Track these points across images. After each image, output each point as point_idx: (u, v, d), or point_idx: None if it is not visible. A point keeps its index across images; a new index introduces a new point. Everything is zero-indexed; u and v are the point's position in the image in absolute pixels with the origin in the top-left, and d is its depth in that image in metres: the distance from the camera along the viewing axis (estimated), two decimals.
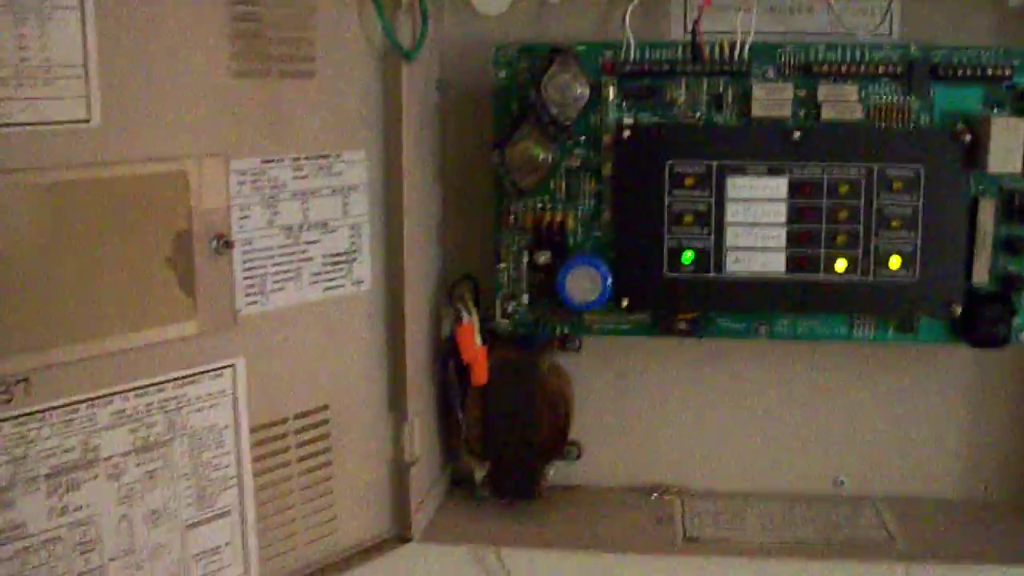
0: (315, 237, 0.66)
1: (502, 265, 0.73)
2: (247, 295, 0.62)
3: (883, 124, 0.70)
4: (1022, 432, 0.79)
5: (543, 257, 0.72)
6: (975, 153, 0.69)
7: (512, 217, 0.73)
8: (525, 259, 0.73)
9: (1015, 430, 0.79)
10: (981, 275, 0.71)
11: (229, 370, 0.61)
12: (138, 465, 0.57)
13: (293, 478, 0.66)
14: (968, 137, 0.69)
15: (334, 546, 0.69)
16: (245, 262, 0.62)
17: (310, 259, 0.66)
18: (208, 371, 0.60)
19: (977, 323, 0.71)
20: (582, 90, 0.70)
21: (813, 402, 0.80)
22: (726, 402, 0.81)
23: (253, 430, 0.63)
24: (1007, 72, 0.69)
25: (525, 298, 0.73)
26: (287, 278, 0.64)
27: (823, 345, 0.77)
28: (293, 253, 0.65)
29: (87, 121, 0.53)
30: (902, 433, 0.80)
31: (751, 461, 0.81)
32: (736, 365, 0.80)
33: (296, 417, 0.66)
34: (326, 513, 0.68)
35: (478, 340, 0.73)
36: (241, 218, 0.61)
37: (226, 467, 0.62)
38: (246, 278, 0.62)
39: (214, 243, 0.60)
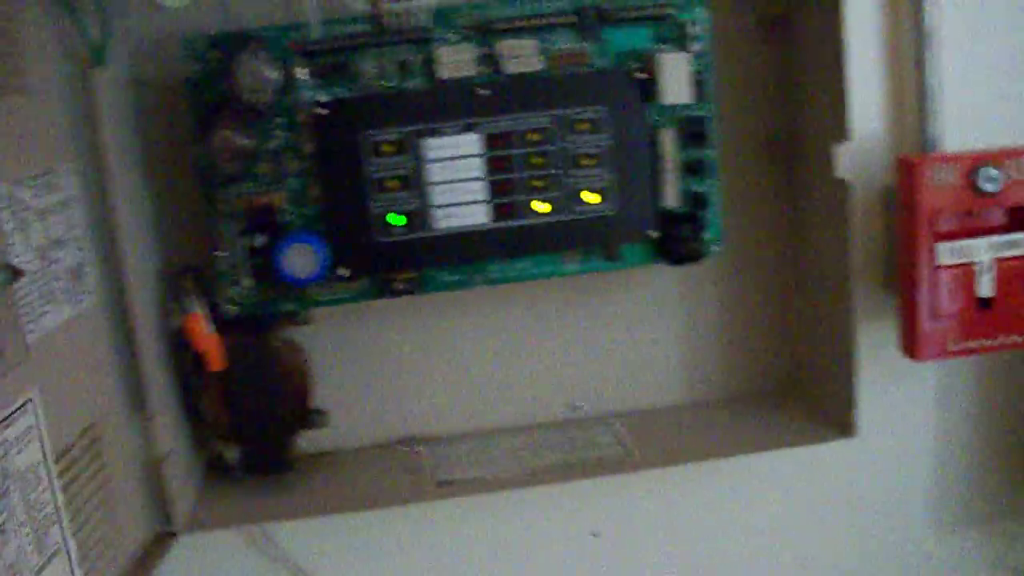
0: (57, 255, 0.65)
1: (220, 252, 0.75)
2: (28, 324, 0.60)
3: (563, 71, 0.75)
4: (728, 334, 0.87)
5: (258, 240, 0.74)
6: (650, 88, 0.75)
7: (223, 205, 0.74)
8: (242, 243, 0.74)
9: (721, 333, 0.87)
10: (671, 198, 0.76)
11: (31, 404, 0.59)
12: None
13: (89, 500, 0.66)
14: (642, 74, 0.75)
15: (125, 554, 0.70)
16: (18, 290, 0.60)
17: (58, 278, 0.65)
18: (16, 409, 0.58)
19: (673, 243, 0.77)
20: (272, 74, 0.72)
21: (538, 337, 0.85)
22: (457, 350, 0.85)
23: (56, 460, 0.62)
24: (670, 10, 0.75)
25: (248, 281, 0.75)
26: (47, 300, 0.63)
27: (538, 283, 0.81)
28: (45, 275, 0.63)
29: None
30: (624, 352, 0.86)
31: (489, 401, 0.86)
32: (460, 314, 0.84)
33: (77, 439, 0.65)
34: (113, 524, 0.68)
35: (208, 328, 0.75)
36: (7, 245, 0.59)
37: (48, 504, 0.60)
38: (23, 307, 0.60)
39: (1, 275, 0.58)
